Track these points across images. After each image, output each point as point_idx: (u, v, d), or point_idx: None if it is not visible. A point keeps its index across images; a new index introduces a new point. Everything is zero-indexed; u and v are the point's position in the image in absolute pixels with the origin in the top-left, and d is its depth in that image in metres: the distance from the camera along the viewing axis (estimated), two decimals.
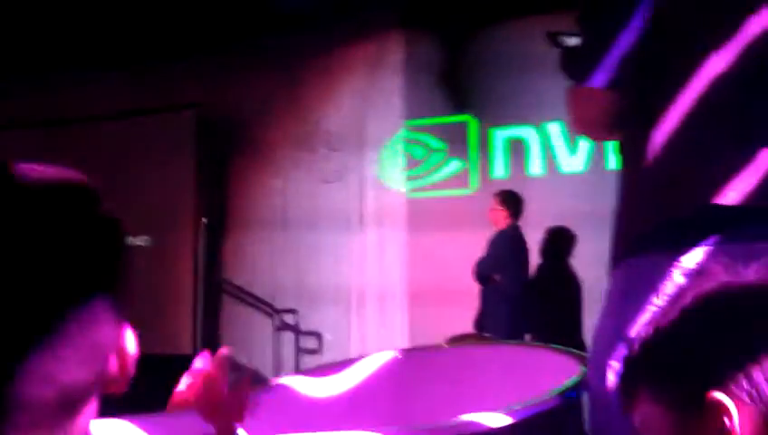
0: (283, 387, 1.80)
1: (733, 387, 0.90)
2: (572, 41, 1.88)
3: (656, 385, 0.99)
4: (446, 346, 2.40)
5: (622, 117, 1.61)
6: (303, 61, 7.65)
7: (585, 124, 1.70)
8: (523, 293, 5.77)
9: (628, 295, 1.50)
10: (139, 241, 7.80)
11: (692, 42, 1.47)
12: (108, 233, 0.78)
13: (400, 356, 1.80)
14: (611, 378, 1.47)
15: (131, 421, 1.99)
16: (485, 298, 5.81)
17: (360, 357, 1.87)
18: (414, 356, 1.88)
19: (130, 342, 0.78)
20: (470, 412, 1.25)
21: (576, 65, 1.63)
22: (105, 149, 7.94)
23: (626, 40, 1.53)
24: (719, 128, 1.44)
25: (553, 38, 5.55)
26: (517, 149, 7.01)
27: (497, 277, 5.78)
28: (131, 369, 0.79)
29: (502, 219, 5.93)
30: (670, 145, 1.46)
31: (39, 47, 7.70)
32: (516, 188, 6.21)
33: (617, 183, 1.62)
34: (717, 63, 1.44)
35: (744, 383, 0.90)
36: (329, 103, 7.61)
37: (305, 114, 7.68)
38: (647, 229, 1.50)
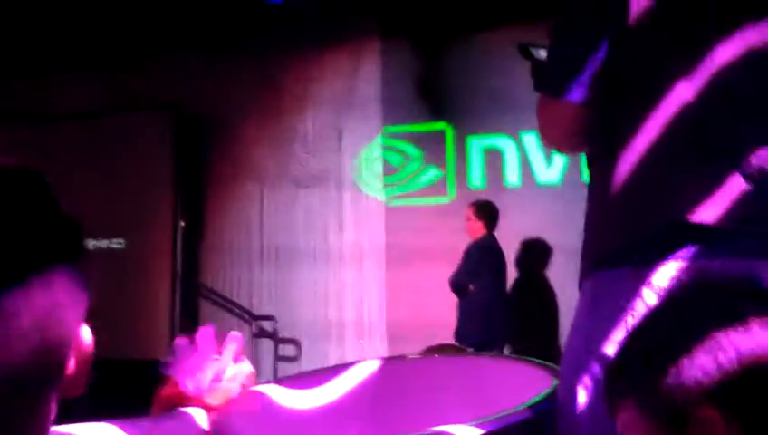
0: (260, 395, 1.82)
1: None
2: (543, 53, 1.89)
3: (637, 394, 1.00)
4: (421, 356, 2.43)
5: (591, 132, 1.63)
6: (282, 63, 7.67)
7: (554, 137, 1.72)
8: (500, 303, 5.80)
9: (595, 311, 1.53)
10: (115, 243, 7.77)
11: (662, 65, 1.50)
12: (62, 222, 0.76)
13: (377, 366, 1.83)
14: (581, 395, 1.50)
15: (115, 425, 2.00)
16: (462, 309, 5.84)
17: (338, 366, 1.90)
18: (390, 366, 1.90)
19: (87, 341, 0.76)
20: (443, 424, 1.28)
21: (547, 78, 1.66)
22: (80, 148, 7.90)
23: (598, 56, 1.55)
24: (688, 150, 1.46)
25: (524, 50, 5.59)
26: (494, 159, 7.06)
27: (472, 288, 5.80)
28: (88, 369, 0.77)
29: (477, 230, 5.97)
30: (639, 161, 1.48)
31: (13, 44, 7.67)
32: (493, 198, 6.26)
33: (587, 197, 1.64)
34: (686, 89, 1.47)
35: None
36: (306, 107, 7.63)
37: (283, 117, 7.69)
38: (614, 244, 1.51)
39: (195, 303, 7.87)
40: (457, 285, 5.84)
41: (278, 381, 1.77)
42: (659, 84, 1.49)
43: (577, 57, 1.57)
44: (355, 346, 7.03)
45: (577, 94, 1.58)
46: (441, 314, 5.93)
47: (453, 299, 5.88)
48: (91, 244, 7.84)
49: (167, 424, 2.09)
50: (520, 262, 6.18)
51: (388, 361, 1.79)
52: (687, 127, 1.45)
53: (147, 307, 7.62)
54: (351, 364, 1.68)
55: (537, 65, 1.84)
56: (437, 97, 7.28)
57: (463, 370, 1.87)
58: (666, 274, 1.43)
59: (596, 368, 1.49)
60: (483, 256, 5.81)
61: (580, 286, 1.59)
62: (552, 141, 1.73)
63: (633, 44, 1.52)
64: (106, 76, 8.01)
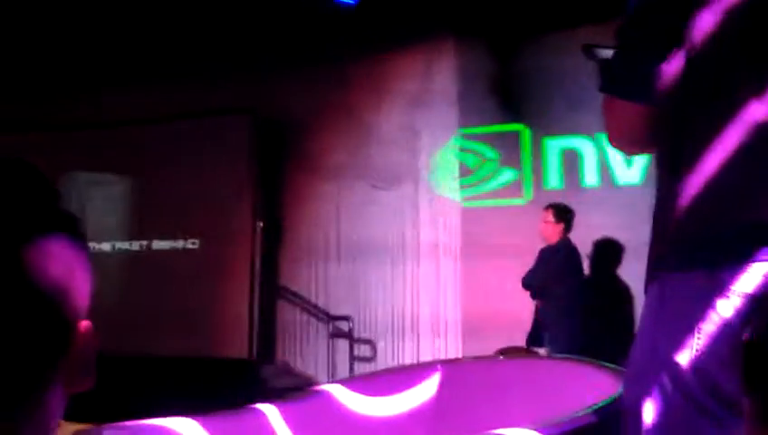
0: (325, 394, 1.86)
1: None
2: (606, 53, 1.88)
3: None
4: (490, 359, 2.42)
5: (658, 137, 1.61)
6: (357, 66, 7.72)
7: (619, 138, 1.70)
8: (579, 308, 5.74)
9: (663, 316, 1.49)
10: (190, 244, 7.94)
11: (731, 84, 1.46)
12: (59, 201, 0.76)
13: (443, 368, 1.84)
14: (649, 409, 1.45)
15: (194, 419, 2.06)
16: (544, 313, 5.79)
17: (403, 368, 1.92)
18: (456, 368, 1.91)
19: (90, 335, 0.75)
20: (506, 427, 1.29)
21: (612, 79, 1.64)
22: (162, 152, 8.10)
23: (665, 64, 1.54)
24: (763, 165, 1.43)
25: (587, 50, 5.52)
26: (571, 160, 6.98)
27: (555, 291, 5.75)
28: (92, 362, 0.76)
29: (555, 233, 5.91)
30: (711, 172, 1.45)
31: (98, 51, 7.90)
32: (570, 199, 6.19)
33: (655, 199, 1.60)
34: (758, 110, 1.44)
35: None
36: (382, 108, 7.67)
37: (359, 119, 7.75)
38: (684, 247, 1.48)
39: (273, 303, 7.99)
40: (536, 287, 5.78)
41: (342, 381, 1.80)
42: (730, 102, 1.46)
43: (643, 60, 1.55)
44: (430, 345, 7.04)
45: (641, 96, 1.56)
46: (515, 313, 5.90)
47: (526, 299, 5.85)
48: (169, 244, 8.05)
49: (241, 420, 2.15)
50: (597, 263, 6.10)
51: (452, 363, 1.80)
52: (762, 146, 1.42)
53: (225, 307, 7.76)
54: (415, 366, 1.69)
55: (602, 66, 1.82)
56: (514, 98, 7.23)
57: (528, 372, 1.87)
58: (751, 277, 1.38)
59: (665, 379, 1.45)
60: (564, 260, 5.75)
61: (646, 290, 1.56)
62: (618, 142, 1.72)
63: (700, 62, 1.50)
64: (185, 81, 8.20)
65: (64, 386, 0.73)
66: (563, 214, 5.94)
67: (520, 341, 5.72)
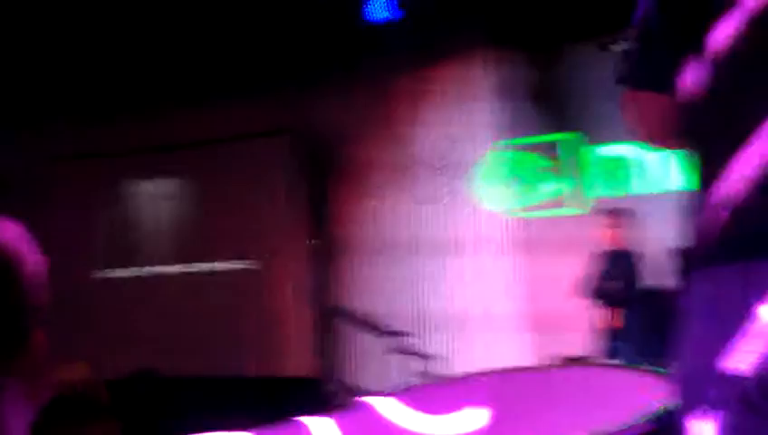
0: (367, 407, 1.84)
1: None
2: (620, 46, 1.84)
3: None
4: (542, 368, 2.38)
5: (689, 134, 1.55)
6: (397, 81, 7.71)
7: (646, 131, 1.66)
8: (643, 313, 5.64)
9: (706, 314, 1.42)
10: (244, 264, 7.99)
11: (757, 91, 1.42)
12: None
13: (497, 378, 1.81)
14: (706, 417, 1.37)
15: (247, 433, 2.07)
16: (628, 321, 5.67)
17: (455, 378, 1.89)
18: (511, 377, 1.88)
19: (41, 345, 0.75)
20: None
21: (628, 70, 1.59)
22: (213, 173, 8.19)
23: (683, 50, 1.49)
24: None
25: (603, 46, 5.43)
26: (621, 168, 6.87)
27: (632, 298, 5.67)
28: (43, 370, 0.75)
29: (619, 238, 5.81)
30: (756, 161, 1.41)
31: (146, 75, 8.05)
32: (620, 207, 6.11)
33: (693, 189, 1.55)
34: None
35: None
36: (424, 123, 7.64)
37: (400, 134, 7.72)
38: (724, 238, 1.42)
39: (329, 319, 7.99)
40: (614, 295, 5.67)
41: (389, 393, 1.78)
42: (758, 105, 1.41)
43: (662, 50, 1.51)
44: (484, 362, 6.96)
45: (662, 86, 1.53)
46: (574, 330, 5.82)
47: (584, 317, 5.77)
48: (230, 265, 8.13)
49: (286, 432, 2.15)
50: (652, 270, 5.99)
51: (506, 373, 1.78)
52: None
53: (281, 325, 7.79)
54: (466, 378, 1.67)
55: (620, 58, 1.77)
56: (558, 106, 7.15)
57: (583, 380, 1.83)
58: None
59: (723, 387, 1.35)
60: (633, 267, 5.65)
61: (682, 291, 1.49)
62: (643, 136, 1.68)
63: (725, 68, 1.45)
64: (237, 102, 8.28)
65: (25, 393, 0.72)
66: (625, 218, 5.86)
67: (577, 349, 5.62)
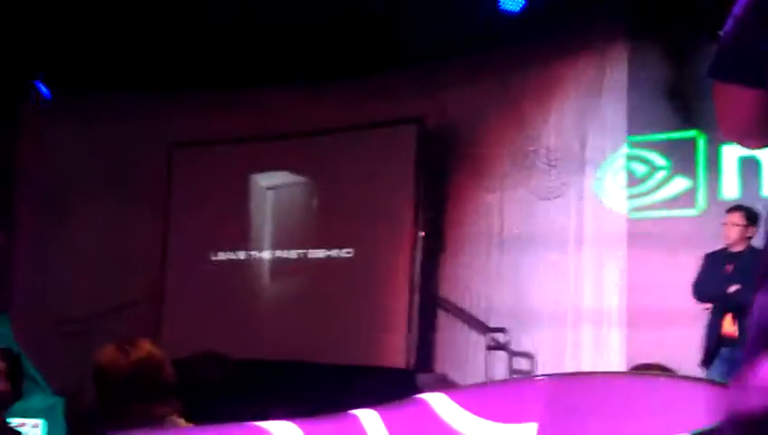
0: (423, 403, 1.73)
1: None
2: None
3: None
4: (604, 374, 2.22)
5: None
6: (524, 73, 7.54)
7: (731, 128, 1.50)
8: None
9: None
10: (351, 253, 8.00)
11: None
12: None
13: (552, 384, 1.67)
14: None
15: (295, 423, 2.01)
16: (743, 328, 5.33)
17: (509, 380, 1.76)
18: (565, 384, 1.74)
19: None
20: None
21: (720, 61, 1.45)
22: (325, 162, 8.23)
23: None
24: None
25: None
26: (750, 168, 6.46)
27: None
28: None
29: (744, 239, 5.47)
30: None
31: (262, 60, 8.13)
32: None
33: None
34: None
35: None
36: (548, 116, 7.43)
37: (524, 128, 7.55)
38: None
39: (432, 313, 7.92)
40: (732, 297, 5.33)
41: (448, 391, 1.68)
42: None
43: (756, 41, 1.35)
44: (591, 363, 6.71)
45: (754, 81, 1.36)
46: (683, 332, 5.52)
47: (695, 321, 5.45)
48: (335, 253, 8.16)
49: (338, 423, 2.07)
50: None
51: (563, 378, 1.65)
52: None
53: (385, 315, 7.77)
54: (523, 381, 1.56)
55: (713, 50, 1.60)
56: (688, 103, 6.78)
57: (648, 390, 1.68)
58: None
59: None
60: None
61: (759, 291, 1.31)
62: (730, 133, 1.52)
63: None
64: (350, 91, 8.29)
65: None
66: (755, 218, 5.49)
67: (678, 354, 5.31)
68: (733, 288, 5.35)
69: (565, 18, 7.17)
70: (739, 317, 5.28)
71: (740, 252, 5.48)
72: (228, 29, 7.60)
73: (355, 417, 1.72)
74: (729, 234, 5.54)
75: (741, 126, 1.47)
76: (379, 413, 1.75)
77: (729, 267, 5.48)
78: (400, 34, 7.59)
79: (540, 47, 7.39)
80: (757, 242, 5.41)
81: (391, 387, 7.05)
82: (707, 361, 5.47)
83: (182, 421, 2.56)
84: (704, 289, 5.56)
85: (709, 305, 5.56)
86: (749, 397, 1.14)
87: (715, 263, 5.58)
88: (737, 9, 1.44)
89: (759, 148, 1.53)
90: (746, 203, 6.13)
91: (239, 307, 8.33)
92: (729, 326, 5.36)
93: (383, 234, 7.88)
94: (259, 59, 8.11)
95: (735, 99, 1.42)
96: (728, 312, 5.39)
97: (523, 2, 6.99)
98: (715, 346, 5.46)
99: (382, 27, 7.53)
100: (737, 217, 5.54)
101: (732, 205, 6.00)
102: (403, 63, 8.05)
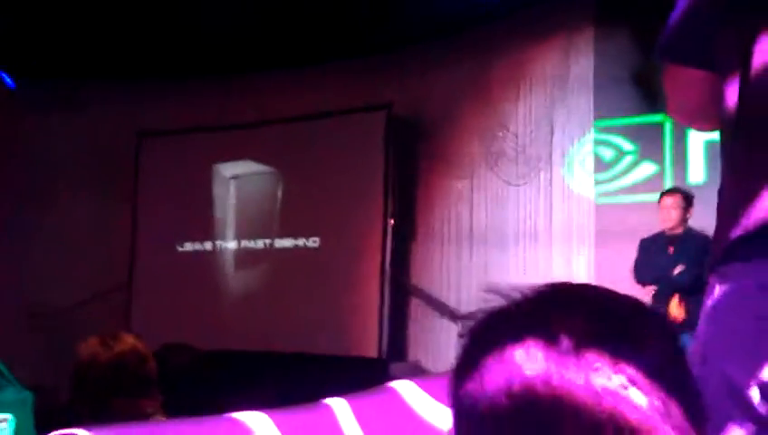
0: (393, 392, 1.72)
1: None
2: None
3: None
4: None
5: (722, 103, 1.38)
6: (492, 59, 7.55)
7: (679, 109, 1.51)
8: None
9: (728, 322, 1.22)
10: (319, 242, 7.97)
11: None
12: None
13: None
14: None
15: (266, 413, 1.99)
16: (691, 311, 5.36)
17: None
18: None
19: None
20: None
21: (668, 42, 1.44)
22: (291, 150, 8.18)
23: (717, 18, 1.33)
24: None
25: None
26: (717, 153, 6.50)
27: (698, 286, 5.36)
28: None
29: (684, 221, 5.53)
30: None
31: (236, 49, 8.06)
32: (716, 195, 5.78)
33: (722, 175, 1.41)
34: None
35: None
36: (517, 102, 7.45)
37: (493, 113, 7.56)
38: (749, 229, 1.24)
39: (404, 301, 7.92)
40: (675, 281, 5.38)
41: (417, 379, 1.67)
42: None
43: (704, 23, 1.35)
44: None
45: (702, 62, 1.38)
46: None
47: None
48: (301, 242, 8.12)
49: (309, 413, 2.07)
50: None
51: None
52: None
53: (356, 304, 7.75)
54: None
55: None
56: (655, 88, 6.83)
57: None
58: None
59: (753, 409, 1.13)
60: (698, 251, 5.29)
61: (709, 279, 1.30)
62: (678, 114, 1.53)
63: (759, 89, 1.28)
64: (317, 78, 8.25)
65: None
66: (692, 200, 5.57)
67: None
68: (677, 270, 5.41)
69: (533, 4, 7.18)
70: (686, 299, 5.32)
71: (679, 234, 5.53)
72: (195, 17, 7.52)
73: (327, 406, 1.70)
74: (671, 216, 5.58)
75: (690, 107, 1.48)
76: (349, 402, 1.74)
77: (671, 249, 5.53)
78: (367, 20, 7.57)
79: (508, 33, 7.40)
80: (693, 223, 5.48)
81: (364, 376, 7.06)
82: None
83: (163, 417, 2.53)
84: (646, 272, 5.60)
85: (651, 289, 5.58)
86: None
87: (655, 246, 5.62)
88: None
89: (708, 130, 1.53)
90: (713, 187, 6.17)
91: (207, 298, 8.28)
92: (675, 309, 5.38)
93: (352, 222, 7.86)
94: (225, 47, 8.05)
95: (684, 80, 1.42)
96: (673, 294, 5.42)
97: None
98: None
99: (349, 13, 7.49)
100: (679, 199, 5.60)
101: (698, 190, 6.05)
102: (371, 50, 8.03)
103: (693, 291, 5.28)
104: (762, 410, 1.12)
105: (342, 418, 1.80)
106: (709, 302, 1.26)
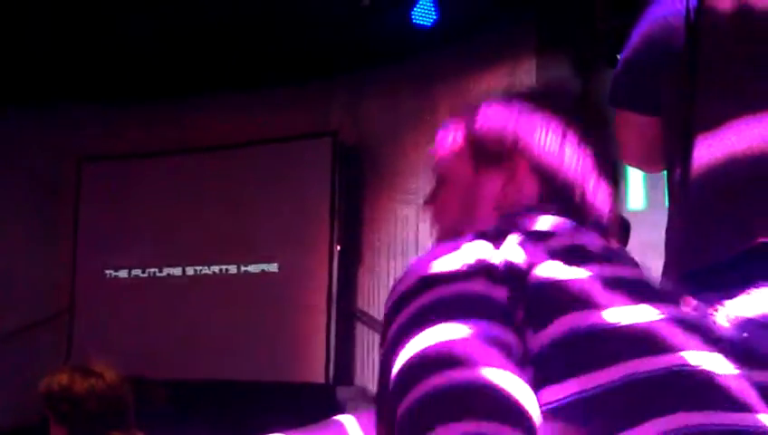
0: (339, 425, 1.73)
1: None
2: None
3: None
4: None
5: (666, 147, 1.46)
6: (437, 86, 7.62)
7: (630, 154, 1.59)
8: None
9: None
10: (268, 267, 7.94)
11: (738, 91, 1.33)
12: None
13: None
14: None
15: None
16: None
17: None
18: None
19: None
20: None
21: (617, 90, 1.53)
22: (240, 176, 8.16)
23: (664, 66, 1.40)
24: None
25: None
26: (656, 178, 6.65)
27: None
28: None
29: None
30: (713, 183, 1.31)
31: (182, 73, 8.02)
32: (656, 220, 5.89)
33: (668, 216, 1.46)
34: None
35: None
36: None
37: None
38: (693, 266, 1.32)
39: (351, 327, 7.92)
40: None
41: (357, 414, 1.68)
42: (738, 108, 1.32)
43: (649, 71, 1.43)
44: None
45: (650, 108, 1.43)
46: None
47: None
48: (248, 268, 8.09)
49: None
50: None
51: None
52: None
53: (303, 330, 7.74)
54: None
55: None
56: (597, 116, 6.95)
57: None
58: (753, 302, 1.20)
59: None
60: None
61: None
62: (630, 159, 1.60)
63: (708, 62, 1.37)
64: (265, 104, 8.25)
65: None
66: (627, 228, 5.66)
67: None
68: None
69: (476, 33, 7.28)
70: None
71: None
72: (142, 40, 7.45)
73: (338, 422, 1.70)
74: None
75: (638, 151, 1.55)
76: None
77: None
78: (314, 47, 7.60)
79: (452, 61, 7.49)
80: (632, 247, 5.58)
81: (310, 402, 7.03)
82: None
83: None
84: None
85: None
86: None
87: None
88: (629, 46, 1.51)
89: (657, 172, 1.61)
90: (652, 214, 6.32)
91: (150, 326, 8.15)
92: None
93: (300, 248, 7.85)
94: (172, 71, 8.00)
95: (632, 125, 1.49)
96: None
97: (435, 17, 7.07)
98: None
99: (296, 39, 7.51)
100: None
101: (638, 216, 6.17)
102: (318, 76, 8.05)
103: None
104: None
105: None
106: None
